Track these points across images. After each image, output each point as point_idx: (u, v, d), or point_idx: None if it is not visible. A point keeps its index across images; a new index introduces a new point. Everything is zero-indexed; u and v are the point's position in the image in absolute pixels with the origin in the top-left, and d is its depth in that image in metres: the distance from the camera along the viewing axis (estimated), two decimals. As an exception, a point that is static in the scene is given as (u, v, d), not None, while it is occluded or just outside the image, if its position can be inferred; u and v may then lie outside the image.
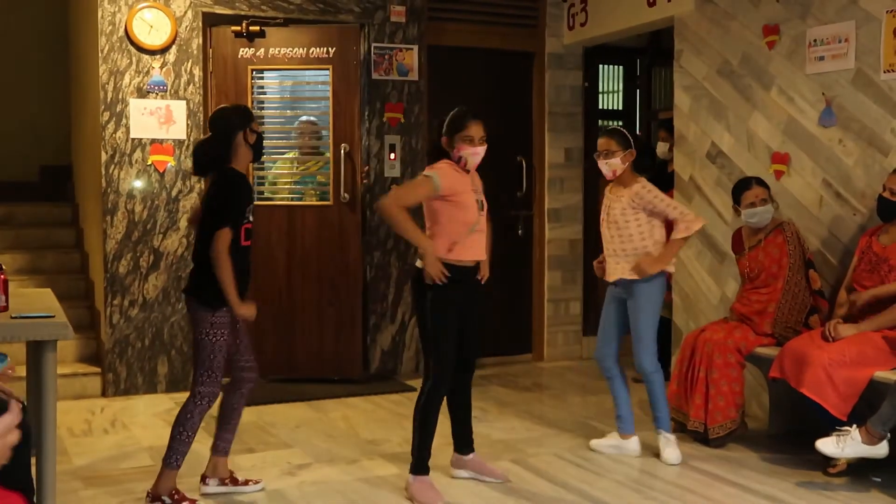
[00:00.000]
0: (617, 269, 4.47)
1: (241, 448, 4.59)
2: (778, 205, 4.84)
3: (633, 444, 4.58)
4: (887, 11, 4.55)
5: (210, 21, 6.03)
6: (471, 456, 4.22)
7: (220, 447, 4.01)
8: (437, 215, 3.95)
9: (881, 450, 3.84)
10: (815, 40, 4.95)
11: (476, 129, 3.94)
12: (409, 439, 4.53)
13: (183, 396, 5.63)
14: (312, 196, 6.36)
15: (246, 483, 4.03)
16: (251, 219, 3.85)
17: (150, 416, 5.34)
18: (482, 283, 4.11)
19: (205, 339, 3.79)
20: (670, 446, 4.46)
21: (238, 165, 3.86)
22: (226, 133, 3.83)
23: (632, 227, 4.42)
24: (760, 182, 4.76)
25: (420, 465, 3.97)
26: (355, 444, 4.72)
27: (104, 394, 5.80)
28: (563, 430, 5.01)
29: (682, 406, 4.78)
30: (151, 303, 5.86)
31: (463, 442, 4.22)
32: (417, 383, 5.99)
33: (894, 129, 4.55)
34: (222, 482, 4.00)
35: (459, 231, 3.92)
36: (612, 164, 4.42)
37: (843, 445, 3.87)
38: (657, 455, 4.48)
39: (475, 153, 3.95)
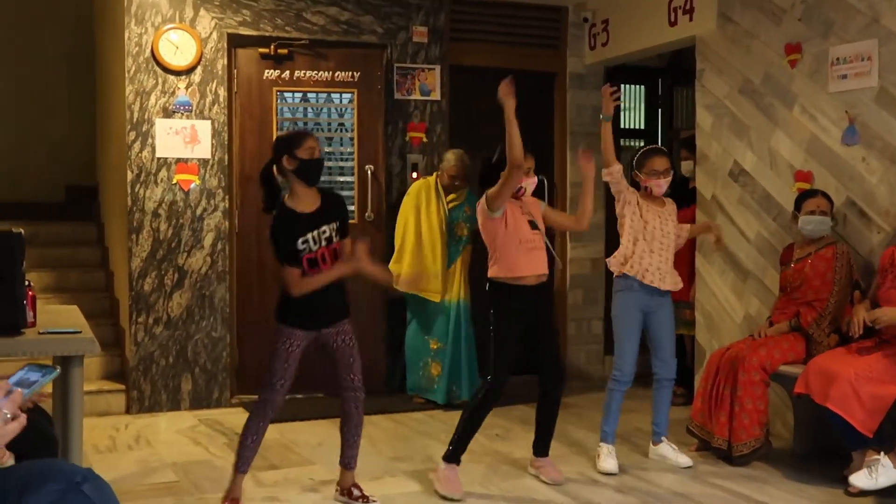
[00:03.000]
0: (667, 279, 4.67)
1: (264, 465, 4.62)
2: (837, 222, 4.86)
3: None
4: (911, 29, 4.59)
5: (235, 42, 6.12)
6: (543, 459, 4.53)
7: (344, 461, 4.15)
8: (498, 240, 4.36)
9: None
10: (837, 59, 4.96)
11: (530, 161, 4.42)
12: (432, 457, 4.62)
13: (207, 413, 5.79)
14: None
15: (359, 498, 4.09)
16: (313, 248, 3.83)
17: (173, 433, 5.38)
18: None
19: (274, 348, 3.93)
20: (680, 452, 4.73)
21: (295, 197, 3.88)
22: (264, 171, 3.96)
23: (674, 241, 4.77)
24: (826, 195, 4.80)
25: (454, 455, 4.30)
26: (377, 461, 4.74)
27: (128, 411, 5.85)
28: (586, 448, 5.01)
29: (706, 424, 4.78)
30: (176, 320, 5.92)
31: (539, 447, 4.55)
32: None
33: (918, 146, 4.57)
34: (342, 493, 4.14)
35: (518, 254, 4.33)
36: (668, 182, 4.77)
37: (875, 476, 3.87)
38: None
39: (533, 183, 4.50)
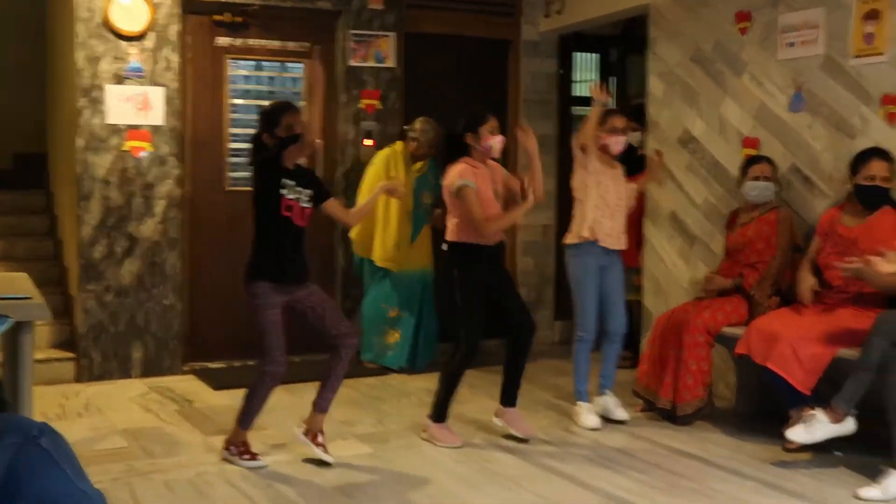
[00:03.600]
0: (620, 240, 4.90)
1: (215, 430, 4.66)
2: (781, 188, 4.96)
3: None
4: (856, -3, 4.66)
5: (188, 8, 6.07)
6: (510, 409, 4.63)
7: (318, 404, 4.28)
8: (460, 210, 4.45)
9: (849, 426, 3.94)
10: (786, 27, 5.04)
11: (494, 122, 4.52)
12: (383, 420, 4.73)
13: (158, 381, 5.80)
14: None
15: (320, 446, 4.22)
16: (290, 197, 4.08)
17: (124, 401, 5.38)
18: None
19: (258, 320, 4.11)
20: (620, 406, 4.92)
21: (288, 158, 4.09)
22: (254, 139, 4.26)
23: (626, 202, 4.97)
24: (770, 161, 4.91)
25: (440, 414, 4.53)
26: (329, 425, 4.75)
27: (78, 379, 5.82)
28: (534, 411, 5.09)
29: (651, 386, 4.89)
30: (126, 288, 5.90)
31: (507, 396, 4.64)
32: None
33: (862, 114, 4.64)
34: (306, 434, 4.26)
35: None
36: (625, 141, 4.96)
37: (812, 430, 3.96)
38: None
39: (499, 141, 4.52)
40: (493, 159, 4.60)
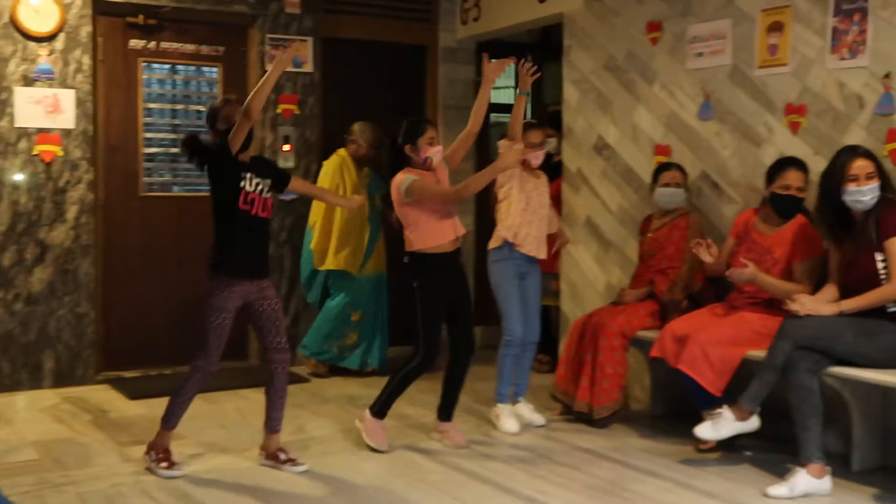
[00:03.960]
0: (541, 249, 4.91)
1: (131, 440, 4.57)
2: (691, 194, 5.06)
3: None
4: (762, 10, 4.77)
5: (100, 9, 5.94)
6: (446, 424, 4.65)
7: (268, 424, 4.26)
8: (412, 217, 4.45)
9: (753, 424, 4.04)
10: (694, 37, 5.14)
11: (432, 132, 4.51)
12: (302, 427, 4.75)
13: (70, 391, 5.66)
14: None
15: (287, 462, 4.18)
16: (248, 189, 4.06)
17: (35, 412, 5.23)
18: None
19: (205, 322, 4.08)
20: (535, 412, 4.97)
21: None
22: (189, 141, 4.17)
23: (547, 210, 4.98)
24: (680, 168, 5.00)
25: (381, 411, 4.53)
26: (248, 434, 4.72)
27: (-13, 390, 5.67)
28: (454, 415, 5.10)
29: (569, 389, 4.95)
30: (37, 296, 5.74)
31: (444, 412, 4.67)
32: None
33: (767, 122, 4.77)
34: (267, 457, 4.24)
35: (433, 224, 4.45)
36: (543, 154, 4.96)
37: (718, 427, 4.04)
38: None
39: (438, 151, 4.49)
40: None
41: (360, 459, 4.36)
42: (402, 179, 4.42)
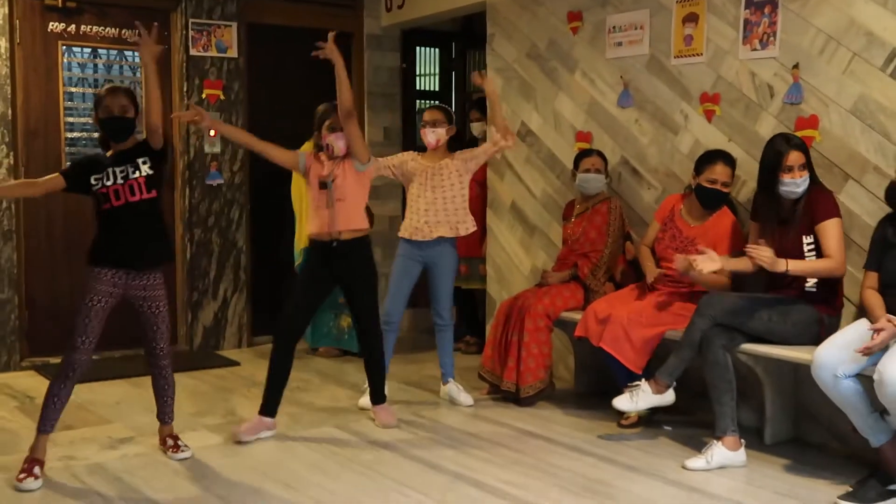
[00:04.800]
0: (437, 229, 4.82)
1: (59, 426, 4.44)
2: (612, 179, 5.13)
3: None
4: (677, 1, 4.83)
5: (17, -11, 5.78)
6: (378, 406, 4.64)
7: (160, 416, 4.17)
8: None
9: (669, 398, 4.15)
10: (613, 27, 5.19)
11: (334, 119, 4.41)
12: (234, 410, 4.69)
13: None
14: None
15: (180, 449, 4.11)
16: (106, 184, 3.84)
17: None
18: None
19: (78, 304, 3.88)
20: (463, 392, 4.99)
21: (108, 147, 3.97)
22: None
23: (456, 190, 4.85)
24: (601, 154, 5.05)
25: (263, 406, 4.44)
26: (178, 418, 4.62)
27: None
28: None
29: (496, 369, 4.99)
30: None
31: (373, 397, 4.66)
32: (241, 357, 6.10)
33: (683, 110, 4.84)
34: (163, 445, 4.16)
35: (311, 212, 4.44)
36: (437, 133, 4.83)
37: (636, 400, 4.14)
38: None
39: (336, 138, 4.40)
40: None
41: (292, 443, 4.34)
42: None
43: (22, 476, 3.69)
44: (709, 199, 4.46)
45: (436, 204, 4.83)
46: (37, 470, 3.73)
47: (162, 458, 4.09)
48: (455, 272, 5.05)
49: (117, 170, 3.85)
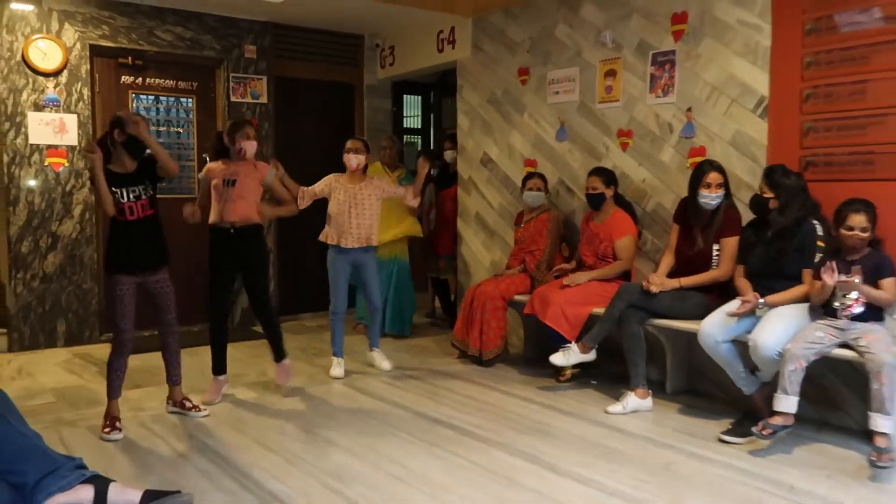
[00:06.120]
0: (359, 240, 4.63)
1: (129, 385, 4.41)
2: (551, 195, 5.13)
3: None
4: (600, 61, 4.88)
5: (96, 51, 5.74)
6: (279, 364, 4.40)
7: (170, 379, 3.98)
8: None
9: (591, 356, 4.16)
10: (553, 80, 5.23)
11: (249, 130, 4.19)
12: (264, 372, 4.60)
13: (79, 349, 5.48)
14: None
15: (191, 409, 3.95)
16: (121, 200, 3.61)
17: (51, 366, 5.05)
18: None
19: (110, 298, 3.71)
20: (385, 360, 4.88)
21: (117, 161, 3.65)
22: (102, 139, 3.74)
23: (373, 210, 4.67)
24: (542, 176, 5.03)
25: (216, 368, 4.27)
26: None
27: (10, 350, 5.43)
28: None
29: (464, 339, 4.99)
30: (50, 276, 5.54)
31: (274, 355, 4.40)
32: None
33: (605, 143, 4.88)
34: (174, 404, 3.98)
35: (213, 203, 4.15)
36: (358, 159, 4.66)
37: (568, 357, 4.15)
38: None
39: (250, 146, 4.17)
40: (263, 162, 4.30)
41: (280, 395, 4.33)
42: (205, 169, 4.23)
43: (107, 430, 3.62)
44: (590, 202, 4.53)
45: (359, 219, 4.63)
46: (118, 424, 3.67)
47: (212, 410, 4.04)
48: (377, 268, 4.81)
49: (127, 189, 3.63)
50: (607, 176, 4.53)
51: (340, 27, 6.72)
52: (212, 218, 4.16)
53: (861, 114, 3.67)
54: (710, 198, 3.93)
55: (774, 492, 2.96)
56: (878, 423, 3.10)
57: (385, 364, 4.87)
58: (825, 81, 3.79)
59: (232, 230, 4.13)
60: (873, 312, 3.34)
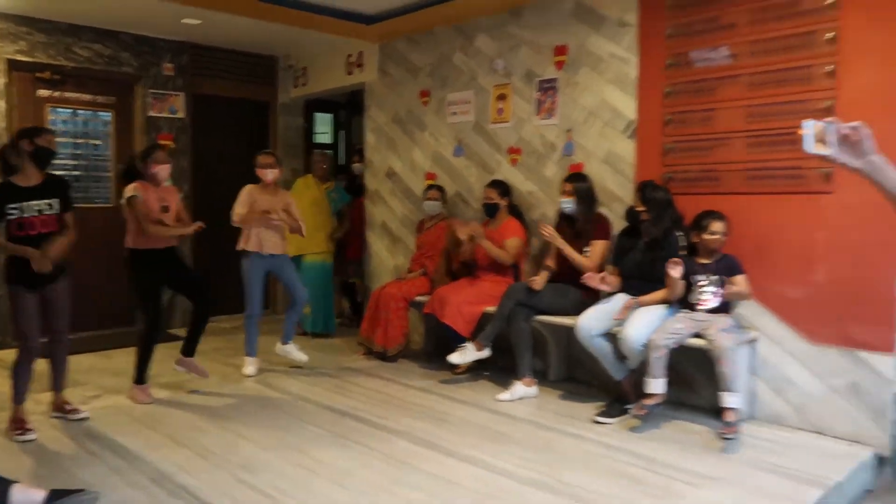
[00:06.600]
0: (276, 247, 4.52)
1: (40, 388, 4.16)
2: (448, 205, 5.15)
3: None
4: (493, 85, 4.94)
5: (14, 65, 5.38)
6: (189, 359, 4.25)
7: (54, 386, 3.73)
8: (129, 220, 3.98)
9: (486, 353, 4.19)
10: (451, 102, 5.26)
11: (162, 154, 4.06)
12: (179, 374, 4.39)
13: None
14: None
15: (73, 411, 3.70)
16: (17, 215, 3.36)
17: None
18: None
19: (13, 308, 3.45)
20: (298, 351, 4.69)
21: (22, 174, 3.40)
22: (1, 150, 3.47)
23: (282, 222, 4.53)
24: (440, 188, 5.06)
25: (140, 378, 4.07)
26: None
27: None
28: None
29: (370, 336, 4.94)
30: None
31: (187, 349, 4.25)
32: (183, 333, 5.80)
33: (497, 159, 4.94)
34: (56, 409, 3.72)
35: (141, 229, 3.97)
36: (273, 173, 4.55)
37: (464, 355, 4.16)
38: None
39: (163, 169, 4.04)
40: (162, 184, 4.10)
41: (193, 393, 4.20)
42: (130, 189, 3.95)
43: (17, 432, 3.38)
44: (487, 211, 4.60)
45: (273, 229, 4.51)
46: (28, 425, 3.42)
47: (125, 409, 3.86)
48: (294, 270, 4.67)
49: (29, 204, 3.39)
50: (502, 188, 4.60)
51: (255, 48, 6.56)
52: (143, 243, 3.93)
53: (709, 137, 3.87)
54: (564, 203, 4.13)
55: (637, 463, 3.07)
56: (727, 400, 3.27)
57: (300, 356, 4.69)
58: (681, 108, 3.98)
59: (164, 251, 4.03)
60: (722, 305, 3.54)
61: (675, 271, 3.54)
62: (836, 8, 3.42)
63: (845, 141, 1.53)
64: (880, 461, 3.25)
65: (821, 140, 1.55)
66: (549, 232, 4.09)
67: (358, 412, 3.80)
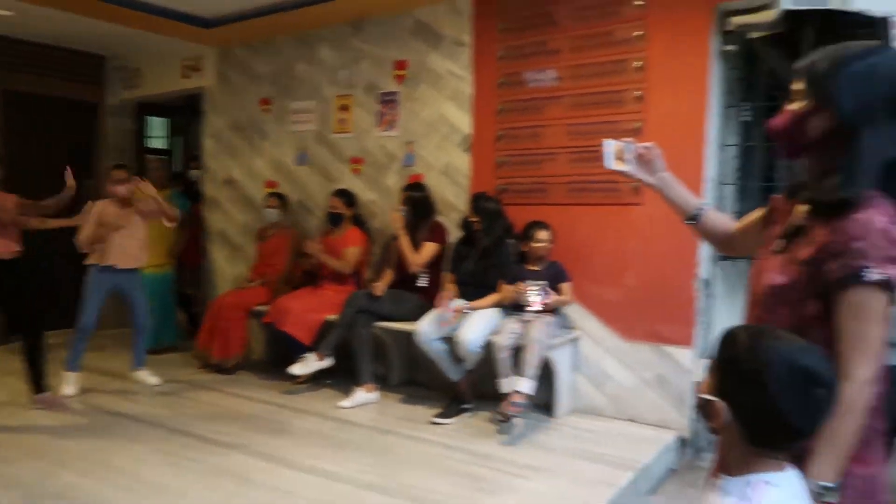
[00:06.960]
0: (127, 259, 4.31)
1: None
2: (289, 213, 5.04)
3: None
4: (336, 96, 4.95)
5: None
6: (42, 395, 3.97)
7: None
8: None
9: (328, 363, 4.17)
10: (293, 110, 5.20)
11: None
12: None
13: None
14: None
15: None
16: None
17: None
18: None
19: None
20: (152, 376, 4.46)
21: None
22: None
23: (141, 233, 4.38)
24: (280, 195, 4.97)
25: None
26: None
27: None
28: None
29: (207, 348, 4.75)
30: None
31: (36, 386, 3.98)
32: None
33: (338, 168, 4.94)
34: None
35: None
36: (129, 189, 4.34)
37: (305, 366, 4.10)
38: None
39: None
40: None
41: (44, 416, 3.83)
42: None
43: None
44: (331, 220, 4.61)
45: (129, 240, 4.31)
46: None
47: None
48: (141, 291, 4.43)
49: None
50: (348, 198, 4.60)
51: (79, 45, 6.07)
52: None
53: (537, 152, 4.13)
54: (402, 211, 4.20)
55: (473, 461, 3.19)
56: (519, 384, 3.43)
57: (153, 380, 4.43)
58: (513, 125, 4.21)
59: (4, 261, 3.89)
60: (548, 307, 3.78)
61: (538, 304, 3.69)
62: (643, 39, 3.79)
63: (641, 159, 1.71)
64: (682, 443, 3.61)
65: (620, 158, 1.72)
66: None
67: (190, 428, 3.63)
